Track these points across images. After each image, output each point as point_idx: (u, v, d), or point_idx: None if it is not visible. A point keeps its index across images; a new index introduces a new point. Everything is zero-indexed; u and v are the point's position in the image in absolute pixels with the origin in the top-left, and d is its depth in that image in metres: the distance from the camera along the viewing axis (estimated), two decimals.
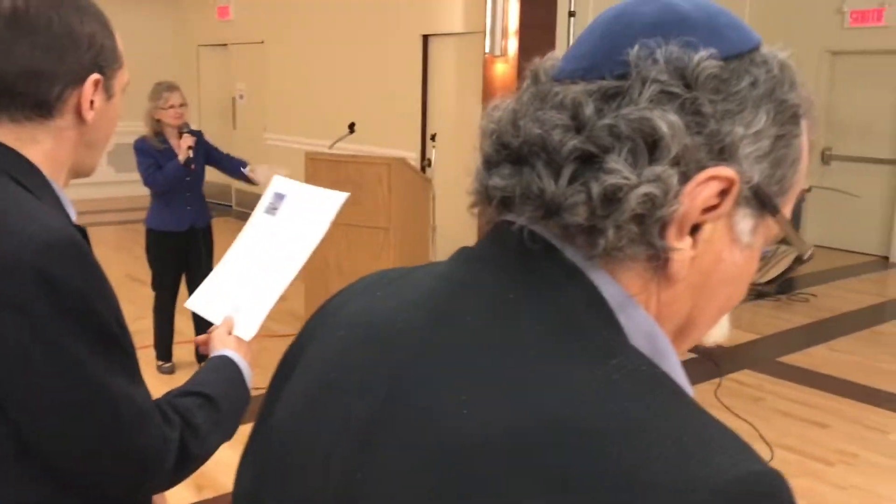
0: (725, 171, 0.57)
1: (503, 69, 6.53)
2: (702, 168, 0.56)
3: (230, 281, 1.48)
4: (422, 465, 0.54)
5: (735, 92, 0.58)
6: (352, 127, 5.77)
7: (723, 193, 0.58)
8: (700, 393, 4.50)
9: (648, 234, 0.57)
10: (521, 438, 0.51)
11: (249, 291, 1.44)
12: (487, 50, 6.54)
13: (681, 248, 0.58)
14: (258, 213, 1.53)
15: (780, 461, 3.70)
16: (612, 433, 0.50)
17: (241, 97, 10.57)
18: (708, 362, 4.89)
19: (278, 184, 1.55)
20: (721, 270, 0.61)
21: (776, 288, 6.87)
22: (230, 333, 1.37)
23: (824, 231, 8.53)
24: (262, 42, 9.77)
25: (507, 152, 0.61)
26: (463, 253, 0.66)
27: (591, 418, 0.50)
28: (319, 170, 4.94)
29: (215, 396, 1.18)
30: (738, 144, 0.57)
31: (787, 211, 0.63)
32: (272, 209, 1.52)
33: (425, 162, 6.45)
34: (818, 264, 7.89)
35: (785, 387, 4.67)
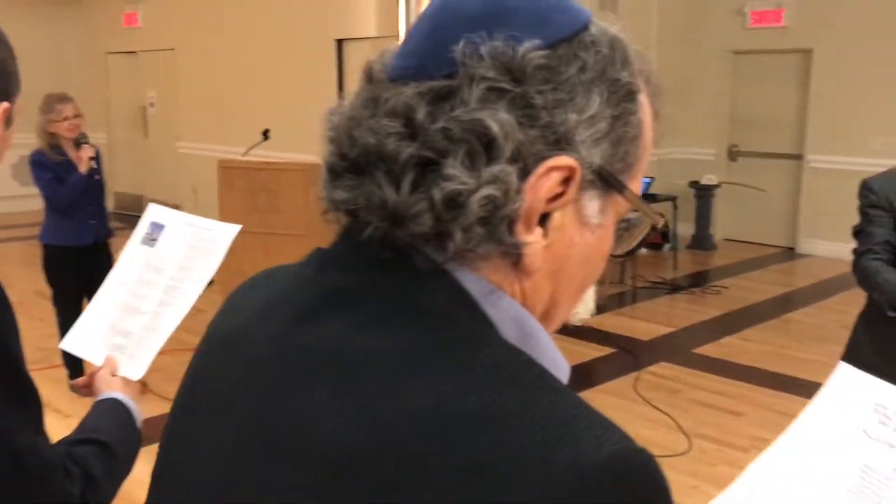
0: (564, 160, 0.57)
1: None
2: (541, 160, 0.57)
3: (109, 318, 1.39)
4: (302, 480, 0.54)
5: (564, 80, 0.58)
6: (266, 133, 5.69)
7: (566, 181, 0.58)
8: (620, 387, 4.60)
9: (496, 233, 0.57)
10: (395, 440, 0.51)
11: (134, 329, 1.36)
12: None
13: (531, 241, 0.58)
14: (133, 243, 1.44)
15: (699, 451, 3.81)
16: (479, 426, 0.50)
17: (152, 105, 10.31)
18: (627, 356, 5.00)
19: (154, 212, 1.46)
20: (575, 254, 0.62)
21: (690, 281, 7.08)
22: (114, 374, 1.31)
23: (733, 225, 8.84)
24: (173, 49, 9.55)
25: (347, 163, 0.60)
26: (318, 256, 0.65)
27: (460, 413, 0.51)
28: (233, 178, 4.85)
29: (110, 443, 1.16)
30: (573, 132, 0.58)
31: (635, 185, 0.64)
32: (150, 239, 1.44)
33: None
34: (729, 257, 8.17)
35: (701, 377, 4.81)
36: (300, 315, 0.61)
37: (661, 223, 0.68)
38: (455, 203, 0.55)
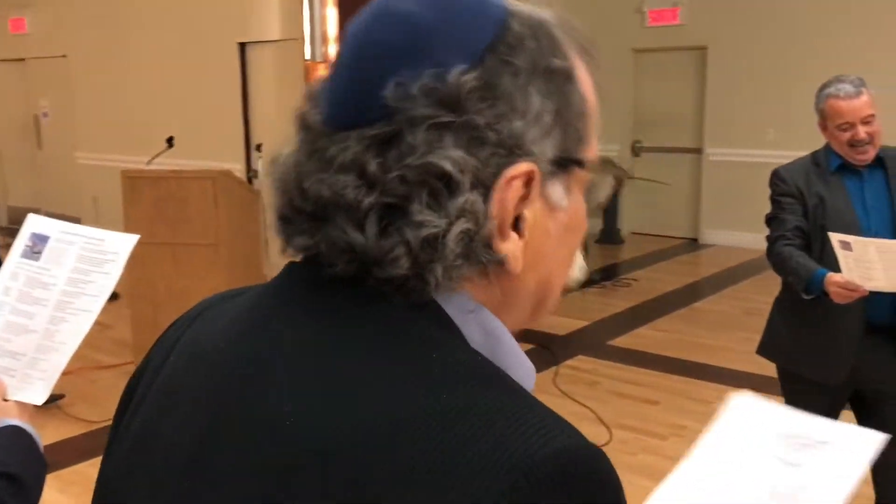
0: (521, 167, 0.58)
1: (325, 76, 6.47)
2: (499, 174, 0.57)
3: None
4: (255, 480, 0.54)
5: (500, 92, 0.58)
6: (170, 141, 5.52)
7: (527, 183, 0.59)
8: (539, 382, 4.63)
9: (477, 256, 0.58)
10: (347, 440, 0.52)
11: (24, 350, 1.27)
12: (308, 57, 6.47)
13: (510, 249, 0.59)
14: (13, 257, 1.32)
15: (619, 441, 3.89)
16: (429, 424, 0.51)
17: (46, 115, 9.87)
18: (545, 352, 5.06)
19: (34, 223, 1.34)
20: (553, 238, 0.63)
21: (601, 275, 7.24)
22: (5, 399, 1.24)
23: (639, 219, 9.08)
24: (65, 56, 9.16)
25: (302, 212, 0.60)
26: (289, 271, 0.65)
27: (410, 412, 0.52)
28: (138, 188, 4.68)
29: (19, 474, 1.12)
30: (522, 137, 0.58)
31: (591, 150, 0.65)
32: (32, 252, 1.32)
33: (251, 173, 6.28)
34: (636, 250, 8.39)
35: (617, 369, 4.92)
36: (261, 325, 0.62)
37: (624, 177, 0.70)
38: (432, 245, 0.56)
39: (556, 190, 0.62)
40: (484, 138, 0.57)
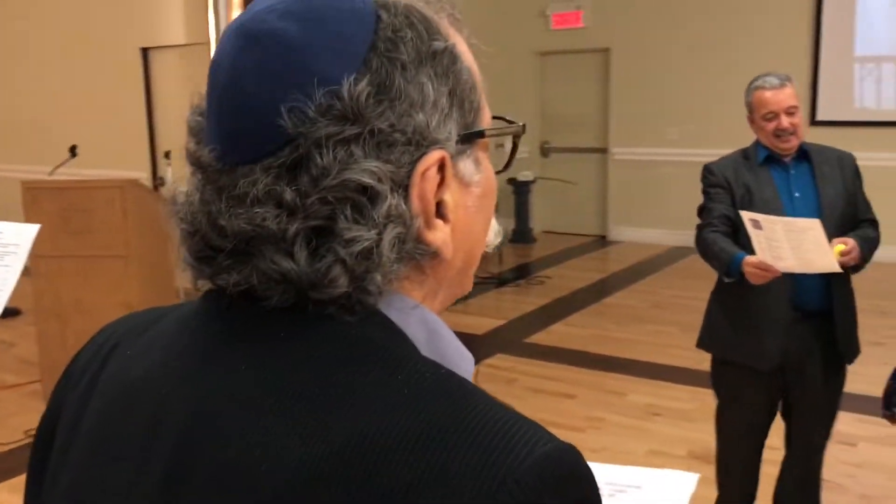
0: (431, 157, 0.58)
1: None
2: (413, 170, 0.58)
3: None
4: None
5: (395, 92, 0.57)
6: (73, 150, 5.34)
7: (441, 168, 0.59)
8: None
9: (410, 254, 0.59)
10: (324, 469, 0.51)
11: None
12: None
13: (439, 237, 0.60)
14: None
15: None
16: (411, 446, 0.51)
17: None
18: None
19: None
20: (472, 212, 0.64)
21: (515, 274, 7.36)
22: None
23: (550, 218, 9.28)
24: None
25: (222, 252, 0.58)
26: (215, 302, 0.62)
27: (390, 436, 0.51)
28: (40, 199, 4.51)
29: None
30: (427, 128, 0.58)
31: (485, 117, 0.65)
32: None
33: (158, 181, 6.13)
34: (548, 249, 8.57)
35: (534, 365, 5.02)
36: (211, 357, 0.59)
37: (522, 131, 0.70)
38: (367, 258, 0.56)
39: (468, 165, 0.62)
40: (392, 141, 0.56)
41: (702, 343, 2.89)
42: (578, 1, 8.81)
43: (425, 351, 0.59)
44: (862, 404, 3.76)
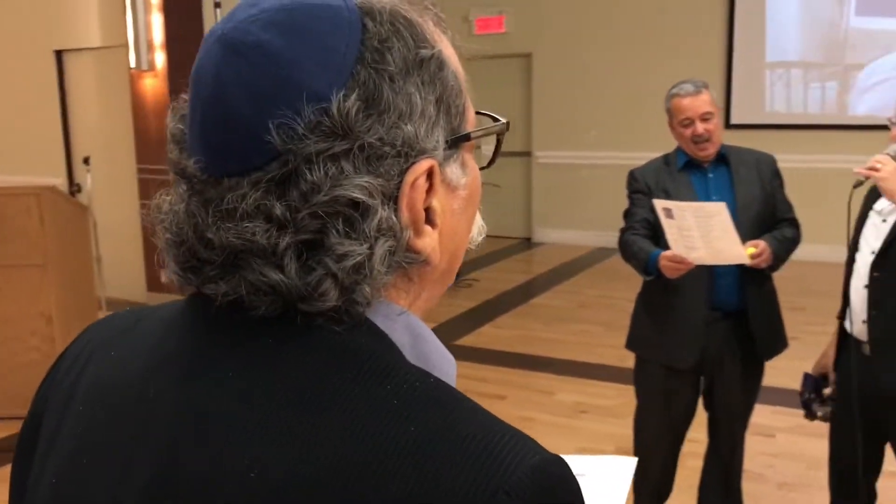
0: (419, 167, 0.58)
1: (153, 84, 6.24)
2: (402, 180, 0.57)
3: None
4: None
5: (384, 105, 0.56)
6: None
7: (429, 176, 0.59)
8: None
9: (399, 264, 0.58)
10: (314, 479, 0.51)
11: None
12: (133, 65, 6.21)
13: (428, 244, 0.60)
14: None
15: None
16: (404, 459, 0.51)
17: None
18: None
19: None
20: (457, 214, 0.64)
21: None
22: None
23: None
24: None
25: (210, 264, 0.57)
26: (203, 309, 0.60)
27: (383, 448, 0.51)
28: None
29: None
30: (415, 138, 0.57)
31: (470, 118, 0.64)
32: None
33: (75, 187, 5.94)
34: (475, 251, 8.59)
35: (464, 367, 5.04)
36: (198, 368, 0.58)
37: (506, 128, 0.70)
38: (359, 272, 0.55)
39: (455, 170, 0.62)
40: (381, 154, 0.56)
41: (628, 343, 2.96)
42: (501, 6, 8.92)
43: (410, 356, 0.59)
44: (779, 397, 3.93)
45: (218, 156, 0.57)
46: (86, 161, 5.69)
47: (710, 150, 2.69)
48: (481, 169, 0.68)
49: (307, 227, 0.55)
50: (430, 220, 0.60)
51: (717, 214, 2.49)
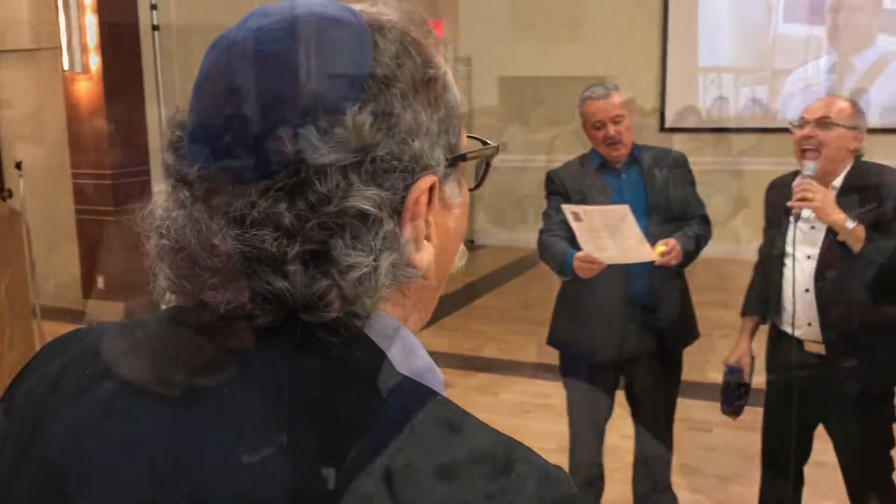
0: (423, 183, 0.59)
1: (88, 87, 6.09)
2: (407, 196, 0.59)
3: None
4: None
5: (394, 121, 0.57)
6: None
7: (430, 192, 0.60)
8: None
9: (398, 278, 0.59)
10: (318, 501, 0.50)
11: None
12: (66, 67, 6.06)
13: (426, 259, 0.61)
14: None
15: None
16: (406, 478, 0.51)
17: None
18: None
19: None
20: (450, 233, 0.65)
21: None
22: None
23: None
24: None
25: (211, 271, 0.57)
26: (195, 319, 0.59)
27: (383, 467, 0.51)
28: None
29: None
30: (421, 155, 0.59)
31: (464, 141, 0.66)
32: None
33: (5, 193, 5.78)
34: None
35: None
36: (196, 394, 0.57)
37: (496, 151, 0.72)
38: (363, 284, 0.56)
39: (452, 188, 0.64)
40: (389, 168, 0.57)
41: (549, 340, 3.02)
42: (440, 11, 8.96)
43: (402, 371, 0.59)
44: (715, 392, 4.02)
45: (227, 163, 0.57)
46: (18, 166, 5.53)
47: (622, 151, 2.75)
48: (470, 190, 0.69)
49: (314, 237, 0.55)
50: (427, 236, 0.61)
51: (622, 216, 2.56)
